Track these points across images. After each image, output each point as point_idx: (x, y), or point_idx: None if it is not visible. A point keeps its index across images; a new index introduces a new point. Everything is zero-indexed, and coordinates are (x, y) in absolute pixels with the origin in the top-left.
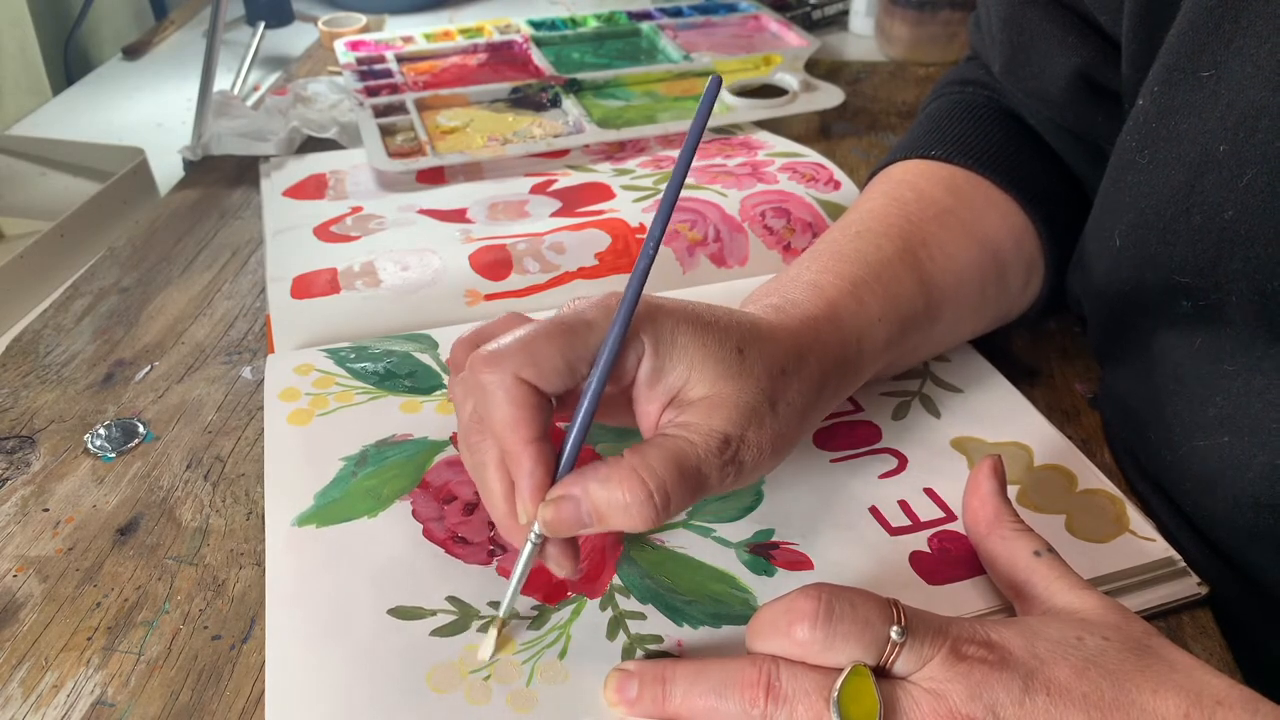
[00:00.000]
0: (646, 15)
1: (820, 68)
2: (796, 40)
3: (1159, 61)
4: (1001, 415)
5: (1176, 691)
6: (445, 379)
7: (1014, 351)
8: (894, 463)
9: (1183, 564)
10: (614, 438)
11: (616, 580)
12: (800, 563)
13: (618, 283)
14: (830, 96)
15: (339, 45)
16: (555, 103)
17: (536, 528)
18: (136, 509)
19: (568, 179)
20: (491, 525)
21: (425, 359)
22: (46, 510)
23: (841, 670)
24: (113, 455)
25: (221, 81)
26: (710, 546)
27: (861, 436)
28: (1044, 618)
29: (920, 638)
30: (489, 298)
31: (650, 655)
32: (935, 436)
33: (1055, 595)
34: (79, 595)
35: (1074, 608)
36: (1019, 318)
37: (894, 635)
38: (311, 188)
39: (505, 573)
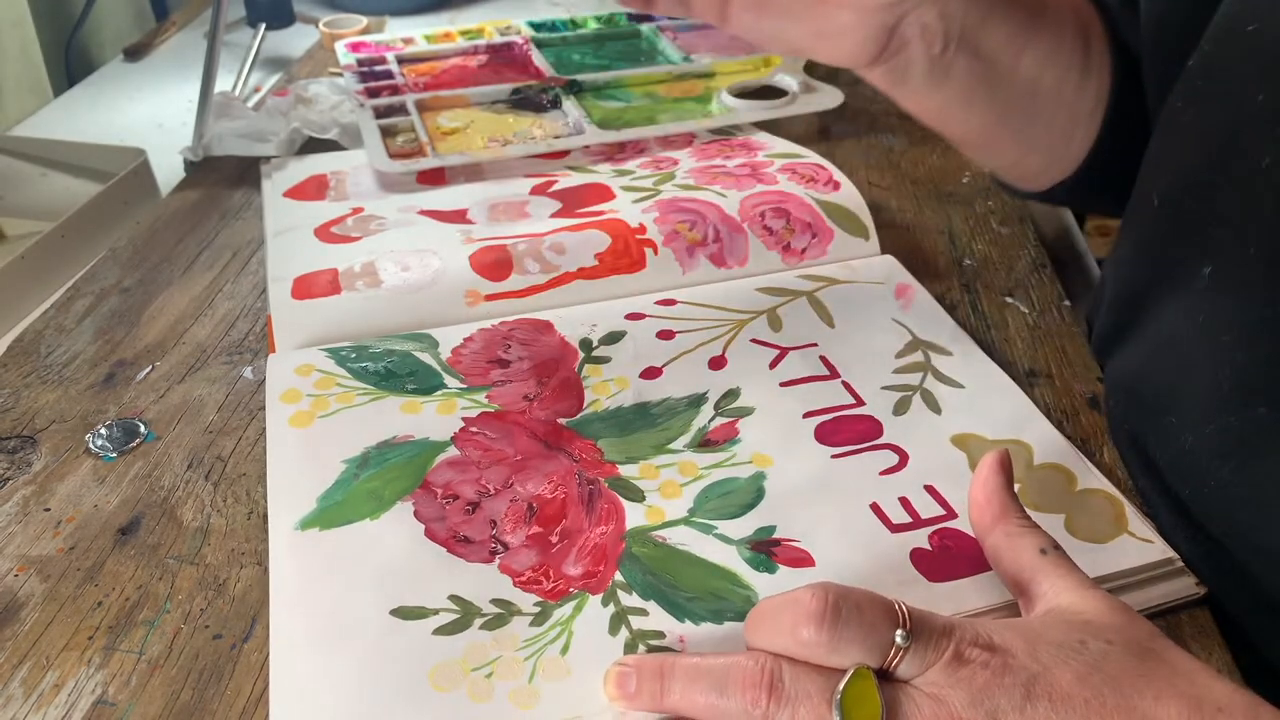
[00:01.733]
0: (646, 17)
1: (820, 69)
2: None
3: (1214, 21)
4: (1002, 413)
5: (1178, 698)
6: (446, 379)
7: (1014, 351)
8: (895, 459)
9: (1180, 564)
10: (617, 432)
11: (618, 576)
12: (802, 560)
13: (618, 283)
14: (830, 98)
15: (340, 46)
16: (555, 104)
17: None
18: (137, 509)
19: (568, 180)
20: (493, 523)
21: (426, 358)
22: (48, 510)
23: (845, 672)
24: (114, 455)
25: (222, 82)
26: (711, 543)
27: (863, 431)
28: (1047, 619)
29: (924, 642)
30: (489, 298)
31: (652, 651)
32: (936, 433)
33: (1060, 594)
34: (80, 595)
35: (1078, 608)
36: (1060, 173)
37: (899, 640)
38: (312, 188)
39: (507, 570)
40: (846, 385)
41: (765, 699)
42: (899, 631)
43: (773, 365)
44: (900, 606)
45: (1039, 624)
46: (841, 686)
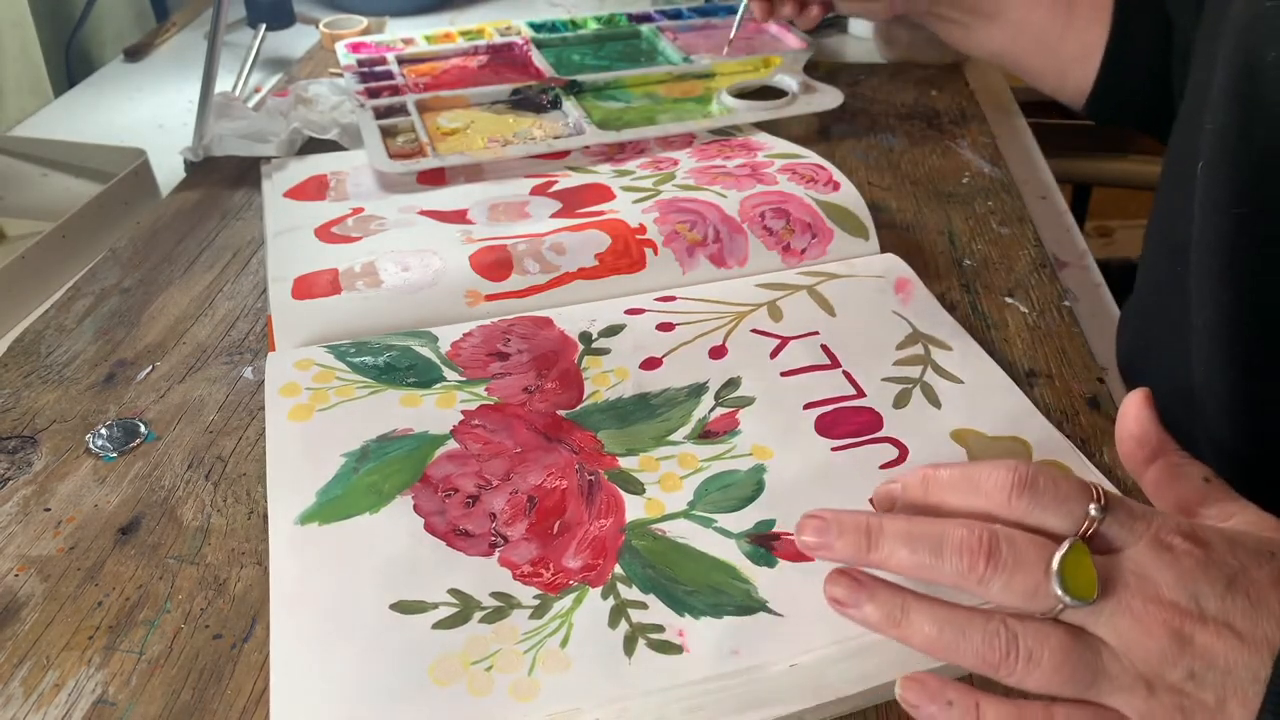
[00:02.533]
0: (646, 17)
1: (820, 69)
2: (796, 42)
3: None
4: (1001, 410)
5: None
6: (445, 372)
7: (1014, 352)
8: (895, 453)
9: None
10: (617, 423)
11: (618, 569)
12: (801, 554)
13: (618, 283)
14: (830, 98)
15: (340, 47)
16: (555, 104)
17: None
18: (138, 509)
19: (568, 180)
20: (493, 516)
21: (425, 352)
22: (48, 510)
23: (1061, 543)
24: (114, 455)
25: (223, 83)
26: (711, 537)
27: (863, 424)
28: (1235, 529)
29: (1119, 518)
30: (489, 298)
31: (652, 645)
32: (935, 427)
33: (1234, 514)
34: (80, 594)
35: (1258, 524)
36: (1072, 101)
37: (1092, 511)
38: (312, 189)
39: (507, 562)
40: (848, 375)
41: (983, 564)
42: (1092, 504)
43: (774, 355)
44: (1097, 487)
45: (1231, 530)
46: (1060, 555)
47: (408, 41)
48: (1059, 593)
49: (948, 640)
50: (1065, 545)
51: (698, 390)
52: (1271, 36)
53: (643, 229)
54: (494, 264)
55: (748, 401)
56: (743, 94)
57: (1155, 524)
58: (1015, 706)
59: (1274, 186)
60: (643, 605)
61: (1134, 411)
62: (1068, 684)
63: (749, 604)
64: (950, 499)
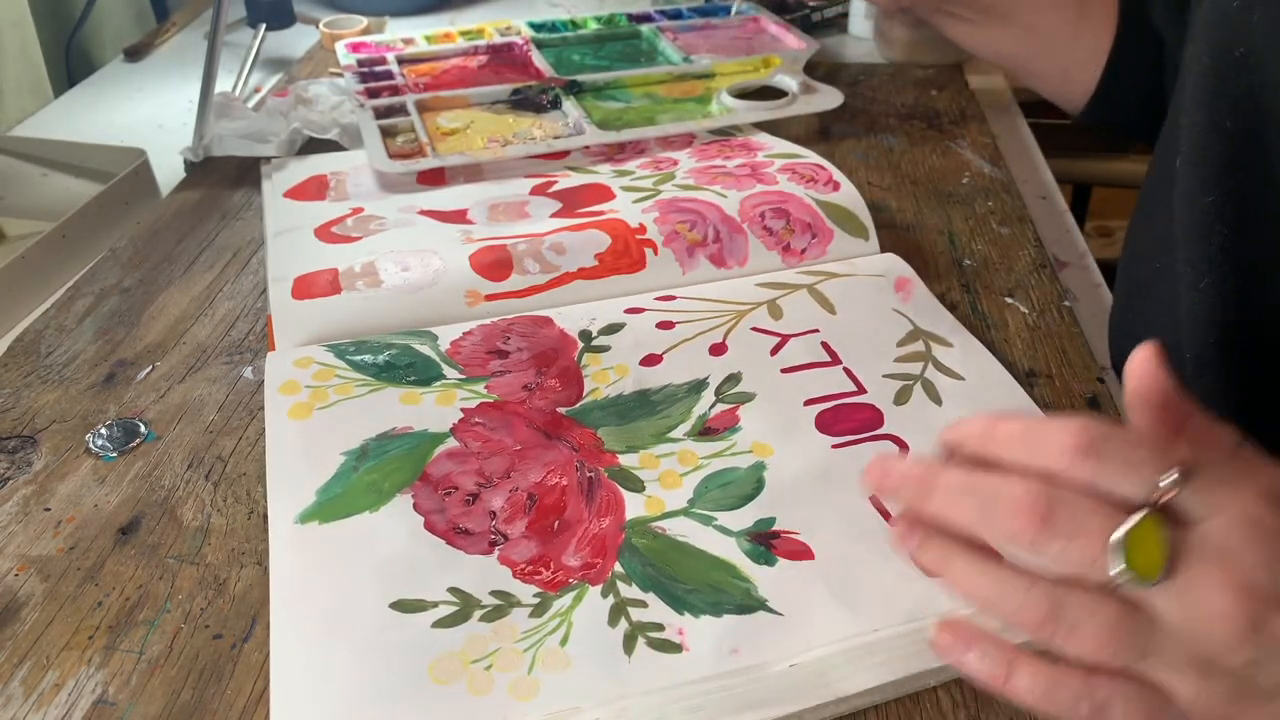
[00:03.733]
0: (646, 17)
1: (820, 70)
2: (796, 43)
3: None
4: (1003, 407)
5: None
6: (445, 369)
7: (1014, 352)
8: (895, 451)
9: None
10: (617, 420)
11: (618, 568)
12: (801, 552)
13: (618, 283)
14: (830, 98)
15: (340, 47)
16: (555, 104)
17: None
18: (138, 508)
19: (568, 180)
20: (493, 515)
21: (425, 350)
22: (48, 510)
23: (1130, 514)
24: (114, 455)
25: (223, 83)
26: (711, 535)
27: (864, 420)
28: None
29: (1202, 487)
30: (489, 298)
31: (652, 643)
32: (936, 424)
33: None
34: (80, 594)
35: None
36: (1072, 106)
37: (1166, 481)
38: (312, 189)
39: (506, 561)
40: (848, 372)
41: (1037, 528)
42: (1173, 471)
43: (774, 352)
44: (1181, 450)
45: None
46: (1125, 530)
47: (408, 41)
48: (1120, 568)
49: (989, 593)
50: (1133, 519)
51: (698, 386)
52: (1238, 34)
53: (643, 229)
54: (494, 264)
55: (748, 397)
56: (743, 94)
57: (1246, 494)
58: (1051, 669)
59: (1244, 173)
60: (642, 604)
61: (1147, 370)
62: (1112, 658)
63: (749, 603)
64: (1010, 455)
